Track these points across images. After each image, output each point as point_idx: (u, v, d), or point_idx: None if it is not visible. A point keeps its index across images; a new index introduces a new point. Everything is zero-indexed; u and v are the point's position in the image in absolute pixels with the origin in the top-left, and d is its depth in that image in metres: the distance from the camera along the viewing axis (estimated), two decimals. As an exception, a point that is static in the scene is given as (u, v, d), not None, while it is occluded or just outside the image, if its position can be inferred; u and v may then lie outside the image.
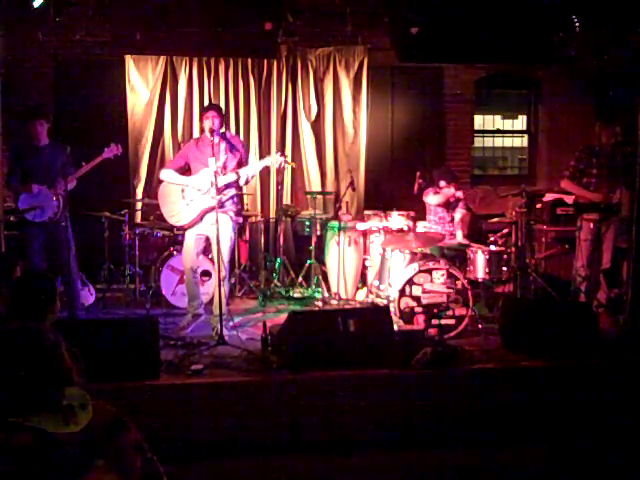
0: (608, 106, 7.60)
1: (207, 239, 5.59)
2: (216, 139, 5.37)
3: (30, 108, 6.61)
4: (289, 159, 7.48)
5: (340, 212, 6.76)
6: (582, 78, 8.32)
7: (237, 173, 5.43)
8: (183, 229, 5.69)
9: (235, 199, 5.60)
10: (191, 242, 5.57)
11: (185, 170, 5.63)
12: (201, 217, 5.49)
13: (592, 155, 5.97)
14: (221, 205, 5.35)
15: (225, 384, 4.37)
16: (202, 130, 5.53)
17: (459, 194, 6.69)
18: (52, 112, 7.36)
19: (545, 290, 6.21)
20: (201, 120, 5.61)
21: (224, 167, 5.43)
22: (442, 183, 6.65)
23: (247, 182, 5.71)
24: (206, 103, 7.47)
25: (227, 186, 5.43)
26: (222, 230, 5.30)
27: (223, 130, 5.60)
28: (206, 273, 6.11)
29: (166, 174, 5.61)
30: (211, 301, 5.74)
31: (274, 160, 5.61)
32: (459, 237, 6.63)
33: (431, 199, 6.71)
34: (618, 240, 6.04)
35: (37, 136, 5.60)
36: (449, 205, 6.75)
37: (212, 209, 5.28)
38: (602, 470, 4.05)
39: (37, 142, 5.61)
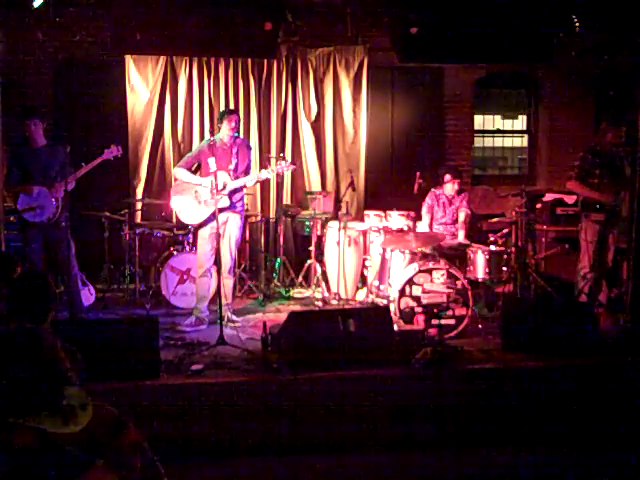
0: (613, 106, 7.59)
1: (217, 237, 5.69)
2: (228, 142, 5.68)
3: (26, 108, 6.61)
4: (289, 159, 7.49)
5: (340, 212, 6.76)
6: (582, 78, 8.32)
7: (248, 179, 5.74)
8: (194, 227, 5.92)
9: (243, 200, 5.92)
10: (206, 242, 5.77)
11: (195, 171, 5.87)
12: (214, 216, 5.61)
13: (595, 155, 5.96)
14: (232, 205, 5.66)
15: (225, 384, 4.36)
16: (218, 130, 5.69)
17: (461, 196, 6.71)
18: (52, 112, 7.38)
19: (545, 290, 6.20)
20: (221, 122, 5.71)
21: (235, 170, 5.68)
22: (447, 177, 6.61)
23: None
24: (206, 103, 7.50)
25: (236, 190, 5.70)
26: (232, 228, 5.71)
27: (236, 134, 5.80)
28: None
29: (180, 173, 5.82)
30: (213, 299, 5.86)
31: (277, 169, 5.79)
32: (461, 237, 6.62)
33: (422, 225, 6.73)
34: (618, 240, 6.03)
35: (32, 136, 5.59)
36: (450, 207, 6.73)
37: (224, 209, 5.55)
38: (602, 470, 4.05)
39: (34, 142, 5.60)
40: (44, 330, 1.77)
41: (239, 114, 5.98)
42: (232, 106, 7.55)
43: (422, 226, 6.71)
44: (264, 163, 6.56)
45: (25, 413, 1.63)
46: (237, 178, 5.67)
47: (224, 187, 5.60)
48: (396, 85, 8.17)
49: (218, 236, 5.59)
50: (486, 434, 4.39)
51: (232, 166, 5.68)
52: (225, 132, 5.67)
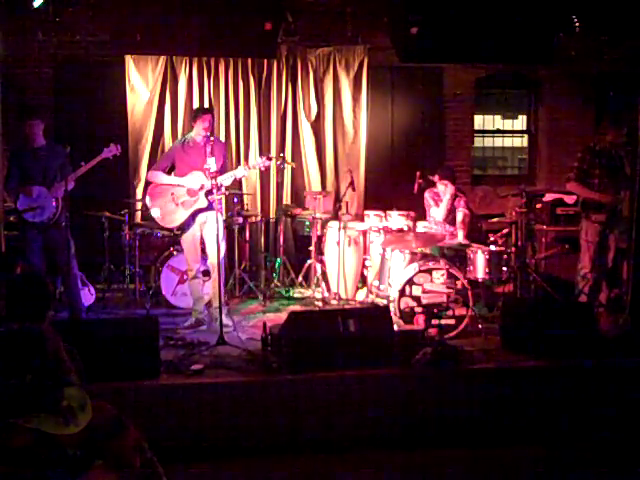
0: (613, 106, 7.59)
1: (201, 238, 5.72)
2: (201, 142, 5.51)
3: (25, 108, 6.61)
4: (289, 159, 7.51)
5: (340, 212, 6.76)
6: (582, 78, 8.32)
7: (224, 177, 5.53)
8: (175, 230, 5.82)
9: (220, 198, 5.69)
10: (190, 244, 5.70)
11: (169, 172, 5.72)
12: (193, 218, 5.61)
13: (594, 156, 5.95)
14: (209, 205, 5.50)
15: (225, 384, 4.37)
16: (191, 130, 5.60)
17: (456, 196, 6.66)
18: (52, 112, 7.37)
19: (545, 290, 6.20)
20: (194, 121, 5.61)
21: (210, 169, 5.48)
22: (435, 177, 6.60)
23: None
24: (206, 103, 7.48)
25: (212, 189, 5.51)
26: (213, 228, 5.45)
27: (209, 134, 5.58)
28: (205, 273, 6.12)
29: (155, 176, 5.71)
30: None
31: (254, 164, 5.72)
32: (460, 237, 6.60)
33: (435, 212, 6.66)
34: (619, 240, 6.03)
35: (32, 136, 5.58)
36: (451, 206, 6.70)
37: (202, 209, 5.45)
38: (602, 470, 4.06)
39: (34, 142, 5.60)
40: (47, 330, 1.76)
41: (213, 113, 5.80)
42: (232, 106, 7.55)
43: (437, 214, 6.62)
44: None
45: (25, 414, 1.63)
46: (213, 178, 5.41)
47: (202, 188, 5.49)
48: (396, 85, 8.17)
49: (201, 237, 5.57)
50: (486, 434, 4.39)
51: (207, 165, 5.44)
52: (198, 131, 5.55)
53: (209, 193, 5.49)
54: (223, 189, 5.58)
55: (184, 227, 5.69)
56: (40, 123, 5.63)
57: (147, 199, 5.77)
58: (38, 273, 4.00)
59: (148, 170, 7.40)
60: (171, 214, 5.64)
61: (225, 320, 5.45)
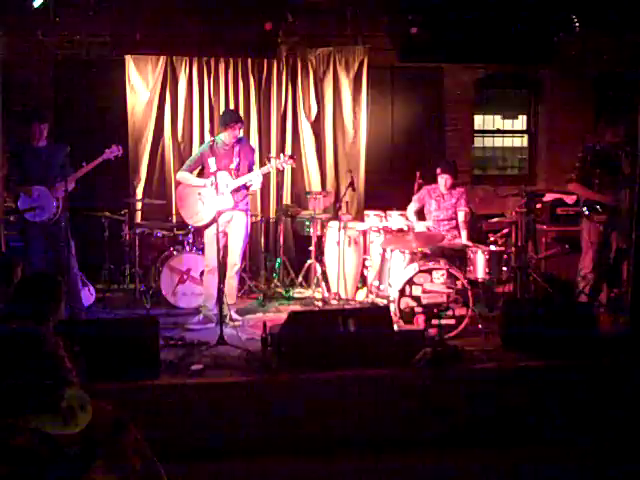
0: (612, 106, 7.59)
1: (224, 236, 5.93)
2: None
3: (33, 110, 6.61)
4: (288, 154, 7.50)
5: (340, 212, 6.76)
6: (582, 78, 8.32)
7: (250, 176, 5.85)
8: (202, 229, 6.03)
9: (247, 198, 6.06)
10: (211, 241, 5.80)
11: (199, 173, 6.06)
12: (218, 216, 5.69)
13: (595, 155, 5.95)
14: (236, 204, 5.81)
15: (225, 384, 4.37)
16: (219, 132, 5.87)
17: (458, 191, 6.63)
18: (52, 112, 7.37)
19: (545, 290, 6.20)
20: (225, 128, 5.81)
21: (237, 169, 5.81)
22: (437, 170, 6.57)
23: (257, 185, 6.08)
24: (206, 103, 7.49)
25: (239, 189, 5.85)
26: (238, 227, 5.86)
27: (241, 135, 5.98)
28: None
29: (183, 176, 5.98)
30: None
31: (277, 164, 5.97)
32: (464, 239, 6.45)
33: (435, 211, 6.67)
34: (619, 240, 6.02)
35: (38, 137, 5.60)
36: (444, 202, 6.64)
37: (228, 209, 5.73)
38: (602, 470, 4.06)
39: (35, 143, 5.61)
40: (45, 330, 1.76)
41: (242, 120, 6.13)
42: (232, 106, 7.54)
43: (409, 209, 6.71)
44: (264, 163, 6.56)
45: (25, 414, 1.63)
46: (239, 177, 5.79)
47: (226, 187, 5.74)
48: (396, 85, 8.17)
49: (225, 235, 5.84)
50: (486, 434, 4.39)
51: (234, 165, 5.80)
52: (228, 136, 5.82)
53: (235, 192, 5.78)
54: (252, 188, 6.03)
55: (209, 225, 5.86)
56: (47, 127, 5.67)
57: (176, 199, 6.09)
58: (48, 272, 3.98)
59: (148, 170, 7.49)
60: (198, 213, 5.88)
61: (235, 315, 5.86)
